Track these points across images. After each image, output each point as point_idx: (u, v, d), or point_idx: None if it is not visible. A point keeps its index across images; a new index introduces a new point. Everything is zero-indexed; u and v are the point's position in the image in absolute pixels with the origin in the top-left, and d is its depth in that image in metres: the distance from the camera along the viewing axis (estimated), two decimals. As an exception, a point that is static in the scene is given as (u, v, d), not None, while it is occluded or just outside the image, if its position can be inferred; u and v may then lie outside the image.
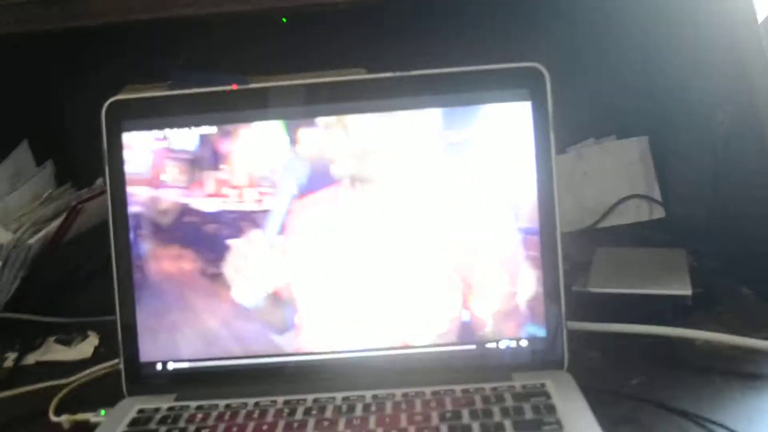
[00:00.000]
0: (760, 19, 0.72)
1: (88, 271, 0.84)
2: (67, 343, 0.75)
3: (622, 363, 0.61)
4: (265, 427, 0.50)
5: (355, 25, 0.98)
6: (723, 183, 0.86)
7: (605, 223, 0.98)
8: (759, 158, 0.73)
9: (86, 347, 0.73)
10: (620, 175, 0.99)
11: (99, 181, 0.96)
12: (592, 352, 0.63)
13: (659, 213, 0.98)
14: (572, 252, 0.78)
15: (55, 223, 0.83)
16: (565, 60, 0.90)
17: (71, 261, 0.84)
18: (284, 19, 0.98)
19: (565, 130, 0.98)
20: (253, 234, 0.58)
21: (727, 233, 0.83)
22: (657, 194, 0.99)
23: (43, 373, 0.67)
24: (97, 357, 0.72)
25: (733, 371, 0.58)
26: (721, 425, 0.50)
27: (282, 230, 0.57)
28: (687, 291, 0.64)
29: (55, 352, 0.73)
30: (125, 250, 0.58)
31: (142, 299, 0.58)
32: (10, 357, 0.73)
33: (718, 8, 0.79)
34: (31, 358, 0.73)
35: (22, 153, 0.94)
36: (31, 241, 0.80)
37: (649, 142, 1.00)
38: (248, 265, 0.58)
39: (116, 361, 0.61)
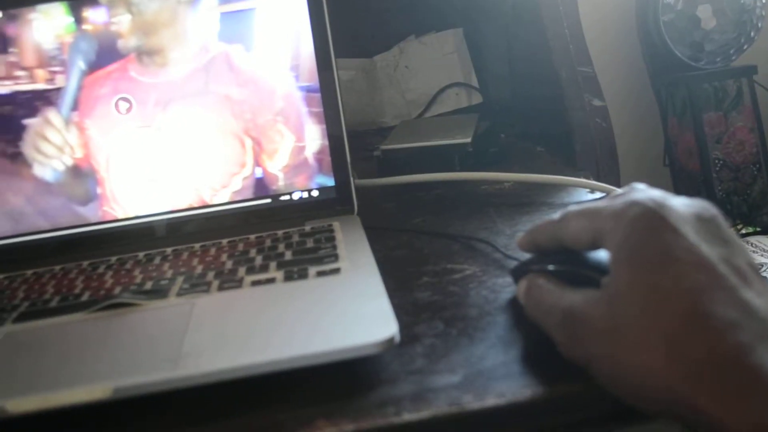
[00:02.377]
0: None
1: None
2: None
3: (411, 209, 0.67)
4: (65, 282, 0.54)
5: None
6: (515, 66, 0.94)
7: (430, 113, 1.04)
8: (537, 36, 0.81)
9: None
10: (439, 66, 1.05)
11: None
12: (388, 204, 0.69)
13: (478, 98, 1.05)
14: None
15: None
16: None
17: None
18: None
19: (388, 31, 1.04)
20: (48, 112, 0.60)
21: (525, 107, 0.92)
22: (474, 81, 1.06)
23: None
24: None
25: (506, 203, 0.66)
26: (482, 240, 0.56)
27: (76, 106, 0.60)
28: (467, 139, 0.70)
29: None
30: None
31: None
32: None
33: None
34: None
35: None
36: None
37: (463, 33, 1.06)
38: (46, 143, 0.60)
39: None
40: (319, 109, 0.61)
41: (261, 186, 0.61)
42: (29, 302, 0.50)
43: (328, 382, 0.38)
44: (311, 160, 0.61)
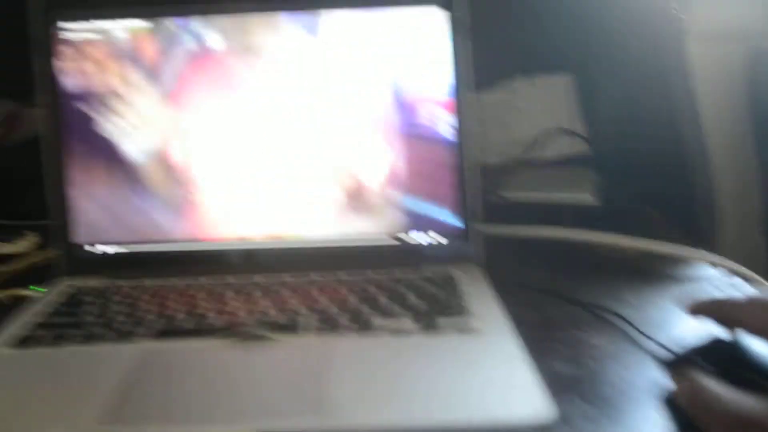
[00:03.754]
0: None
1: (26, 176, 0.85)
2: (6, 240, 0.76)
3: (531, 263, 0.66)
4: (191, 300, 0.54)
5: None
6: (633, 120, 0.92)
7: (531, 155, 1.03)
8: (662, 99, 0.79)
9: (25, 243, 0.75)
10: (546, 109, 1.04)
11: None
12: (504, 253, 0.68)
13: (582, 147, 1.03)
14: (500, 179, 0.84)
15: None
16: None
17: (10, 166, 0.85)
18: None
19: (495, 68, 1.04)
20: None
21: (636, 160, 0.90)
22: (580, 129, 1.04)
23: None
24: (35, 253, 0.74)
25: (628, 270, 0.64)
26: (612, 311, 0.55)
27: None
28: (590, 198, 0.69)
29: (-5, 246, 0.75)
30: (56, 144, 0.61)
31: (74, 187, 0.61)
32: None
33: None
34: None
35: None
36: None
37: (573, 79, 1.05)
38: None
39: (52, 250, 0.63)
40: (454, 157, 0.60)
41: (383, 223, 0.61)
42: (164, 319, 0.51)
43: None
44: (436, 203, 0.61)
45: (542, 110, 1.03)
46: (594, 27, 1.02)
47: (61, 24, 0.60)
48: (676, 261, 0.66)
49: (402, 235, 0.61)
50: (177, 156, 0.61)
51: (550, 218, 0.67)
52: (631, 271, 0.64)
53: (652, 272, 0.64)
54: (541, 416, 0.37)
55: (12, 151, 0.89)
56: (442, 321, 0.49)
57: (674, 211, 0.78)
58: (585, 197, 0.68)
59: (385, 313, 0.50)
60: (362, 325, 0.49)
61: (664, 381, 0.43)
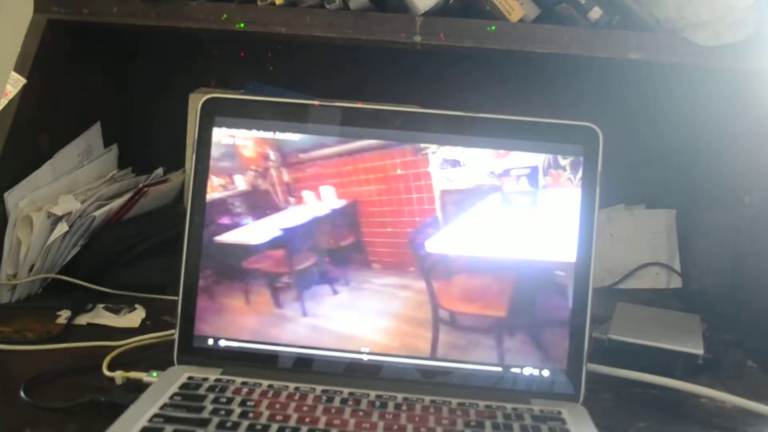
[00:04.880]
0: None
1: (142, 249, 0.90)
2: (116, 311, 0.80)
3: (632, 407, 0.66)
4: (305, 408, 0.55)
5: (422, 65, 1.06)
6: (743, 262, 0.91)
7: (625, 285, 1.03)
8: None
9: (134, 317, 0.79)
10: (644, 242, 1.04)
11: (158, 170, 1.02)
12: (605, 394, 0.68)
13: (677, 283, 1.03)
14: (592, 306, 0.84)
15: (119, 201, 0.89)
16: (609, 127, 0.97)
17: (128, 238, 0.90)
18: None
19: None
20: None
21: (739, 309, 0.88)
22: (677, 265, 1.04)
23: (93, 335, 0.72)
24: (143, 328, 0.77)
25: (729, 427, 0.63)
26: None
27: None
28: (699, 350, 0.69)
29: (104, 317, 0.78)
30: (198, 233, 0.64)
31: (205, 279, 0.63)
32: (63, 315, 0.78)
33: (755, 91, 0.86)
34: (82, 320, 0.78)
35: (94, 133, 1.01)
36: (96, 213, 0.86)
37: (676, 215, 1.06)
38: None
39: (171, 331, 0.65)
40: (569, 295, 0.61)
41: (496, 352, 0.62)
42: (277, 425, 0.52)
43: None
44: (550, 340, 0.61)
45: (641, 242, 1.04)
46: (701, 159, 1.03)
47: (222, 127, 0.64)
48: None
49: (515, 370, 0.61)
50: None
51: (659, 365, 0.67)
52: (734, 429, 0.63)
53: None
54: None
55: (128, 224, 0.93)
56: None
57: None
58: (695, 351, 0.68)
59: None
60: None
61: None
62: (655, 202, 1.08)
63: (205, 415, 0.53)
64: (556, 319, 0.61)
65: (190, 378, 0.60)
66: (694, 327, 0.76)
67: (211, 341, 0.63)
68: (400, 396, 0.59)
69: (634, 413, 0.64)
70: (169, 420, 0.52)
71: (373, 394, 0.59)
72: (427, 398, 0.59)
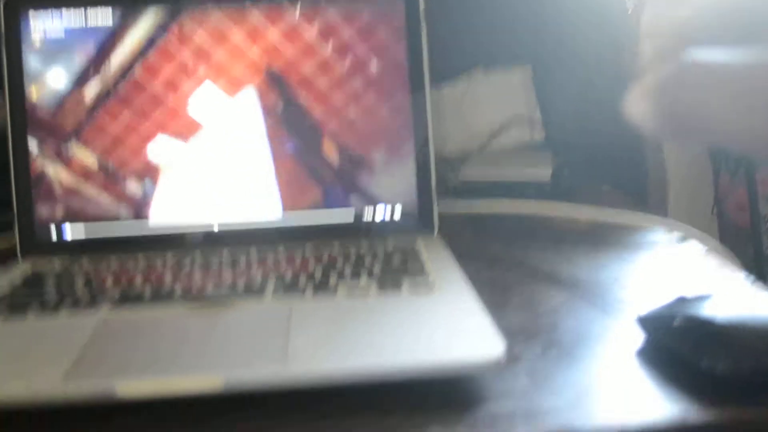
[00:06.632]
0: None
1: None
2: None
3: (488, 237, 0.68)
4: (153, 274, 0.54)
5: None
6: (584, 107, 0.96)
7: (491, 146, 1.05)
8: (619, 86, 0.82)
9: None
10: (505, 101, 1.06)
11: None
12: (465, 230, 0.70)
13: (540, 135, 1.06)
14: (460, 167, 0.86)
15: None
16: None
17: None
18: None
19: (454, 61, 1.06)
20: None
21: (592, 147, 0.93)
22: (538, 117, 1.06)
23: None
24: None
25: (582, 239, 0.66)
26: (566, 276, 0.57)
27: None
28: (547, 176, 0.71)
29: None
30: (21, 123, 0.61)
31: (38, 172, 0.61)
32: None
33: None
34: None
35: None
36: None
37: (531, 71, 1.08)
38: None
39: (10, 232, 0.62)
40: (408, 130, 0.62)
41: (345, 195, 0.62)
42: (125, 289, 0.51)
43: (436, 394, 0.38)
44: (398, 177, 0.62)
45: (501, 102, 1.06)
46: (550, 19, 1.05)
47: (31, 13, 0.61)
48: (633, 230, 0.68)
49: (367, 214, 0.62)
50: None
51: (510, 197, 0.69)
52: (586, 239, 0.66)
53: (605, 240, 0.66)
54: (495, 354, 0.38)
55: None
56: (402, 281, 0.50)
57: (627, 189, 0.81)
58: (541, 174, 0.70)
59: (348, 276, 0.51)
60: (325, 288, 0.49)
61: (616, 331, 0.45)
62: (511, 60, 1.09)
63: (46, 291, 0.52)
64: (401, 157, 0.62)
65: (34, 266, 0.57)
66: (545, 161, 0.79)
67: (53, 228, 0.61)
68: (253, 249, 0.59)
69: (490, 241, 0.66)
70: (5, 300, 0.50)
71: (226, 252, 0.58)
72: (281, 247, 0.59)
